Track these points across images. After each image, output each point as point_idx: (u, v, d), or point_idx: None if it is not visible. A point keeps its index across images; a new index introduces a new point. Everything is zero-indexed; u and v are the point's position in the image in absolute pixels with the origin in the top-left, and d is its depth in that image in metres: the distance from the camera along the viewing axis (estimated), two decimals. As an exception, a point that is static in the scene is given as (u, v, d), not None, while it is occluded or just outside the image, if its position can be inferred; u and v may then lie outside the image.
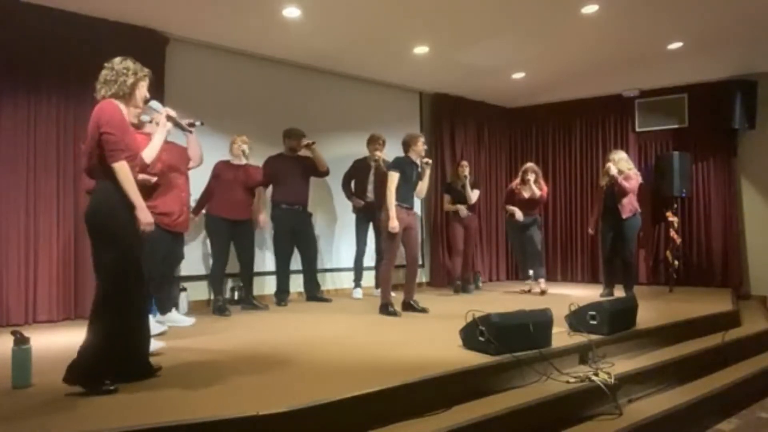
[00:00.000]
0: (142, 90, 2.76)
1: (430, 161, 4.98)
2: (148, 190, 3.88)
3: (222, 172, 4.90)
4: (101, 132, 2.56)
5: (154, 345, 3.11)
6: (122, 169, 2.59)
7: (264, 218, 5.26)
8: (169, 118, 2.97)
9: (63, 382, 2.49)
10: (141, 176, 3.55)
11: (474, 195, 6.30)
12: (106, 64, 2.69)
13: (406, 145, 4.90)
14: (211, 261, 5.16)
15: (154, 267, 3.97)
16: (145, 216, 2.68)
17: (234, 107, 5.60)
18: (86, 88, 2.78)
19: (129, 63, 2.71)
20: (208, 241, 5.33)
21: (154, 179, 3.71)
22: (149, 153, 2.85)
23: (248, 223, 5.02)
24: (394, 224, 4.64)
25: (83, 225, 4.51)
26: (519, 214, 6.18)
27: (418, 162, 4.90)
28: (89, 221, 2.62)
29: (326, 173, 5.66)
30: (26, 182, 4.36)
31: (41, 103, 4.46)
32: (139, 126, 3.45)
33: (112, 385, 2.50)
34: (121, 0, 4.42)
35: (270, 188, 5.50)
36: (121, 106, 2.66)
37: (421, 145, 4.86)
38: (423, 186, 4.96)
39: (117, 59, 2.71)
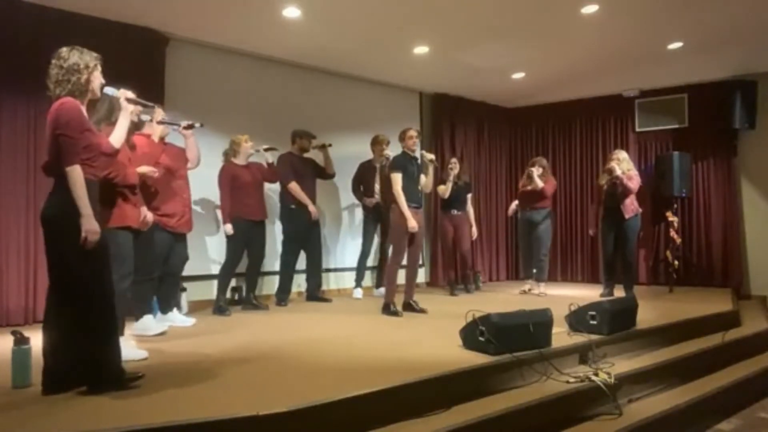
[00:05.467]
0: (97, 80, 2.63)
1: (433, 158, 4.95)
2: (150, 194, 3.89)
3: (240, 174, 4.88)
4: (57, 134, 2.45)
5: (138, 354, 3.09)
6: (74, 172, 2.45)
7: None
8: (128, 99, 2.82)
9: (90, 394, 2.46)
10: (143, 169, 3.56)
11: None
12: (54, 61, 2.54)
13: (399, 140, 4.95)
14: (217, 260, 5.18)
15: (155, 267, 3.98)
16: (90, 224, 2.43)
17: (234, 107, 5.59)
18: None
19: (76, 57, 2.54)
20: (208, 242, 5.34)
21: (156, 173, 3.71)
22: (115, 138, 2.74)
23: (264, 224, 5.08)
24: (412, 224, 4.64)
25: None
26: (511, 209, 6.51)
27: (418, 156, 4.87)
28: (54, 220, 2.46)
29: (333, 176, 5.70)
30: (26, 182, 4.35)
31: (41, 103, 4.41)
32: (138, 126, 3.43)
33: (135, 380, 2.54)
34: (121, 0, 4.42)
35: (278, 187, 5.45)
36: (80, 104, 2.55)
37: (408, 140, 4.84)
38: (428, 181, 4.98)
39: (63, 52, 2.54)
